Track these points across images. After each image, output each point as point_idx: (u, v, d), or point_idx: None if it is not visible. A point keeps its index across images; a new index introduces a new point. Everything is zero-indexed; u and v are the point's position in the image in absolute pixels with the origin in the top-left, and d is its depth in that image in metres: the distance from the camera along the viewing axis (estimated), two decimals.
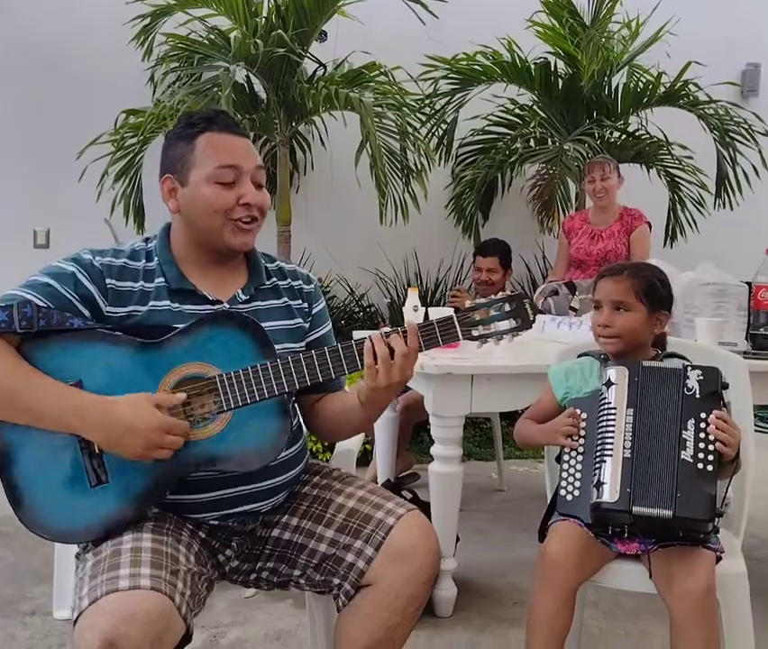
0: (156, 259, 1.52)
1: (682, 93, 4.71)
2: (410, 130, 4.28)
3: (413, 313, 2.66)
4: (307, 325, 1.65)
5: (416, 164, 4.34)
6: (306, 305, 1.65)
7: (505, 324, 1.47)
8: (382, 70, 4.39)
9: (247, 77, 4.38)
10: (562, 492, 1.72)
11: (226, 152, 1.49)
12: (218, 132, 1.50)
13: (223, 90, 3.64)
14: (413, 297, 2.68)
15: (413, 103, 4.50)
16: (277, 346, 1.47)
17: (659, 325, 1.83)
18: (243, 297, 1.55)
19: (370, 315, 5.08)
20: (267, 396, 1.42)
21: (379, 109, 4.15)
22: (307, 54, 4.37)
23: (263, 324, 1.47)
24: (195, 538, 1.47)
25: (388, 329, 1.47)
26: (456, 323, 1.45)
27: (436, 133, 4.95)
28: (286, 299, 1.61)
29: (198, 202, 1.48)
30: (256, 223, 1.53)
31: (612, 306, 1.80)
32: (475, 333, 1.46)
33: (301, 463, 1.62)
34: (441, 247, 5.25)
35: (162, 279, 1.49)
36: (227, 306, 1.52)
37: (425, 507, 2.28)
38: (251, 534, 1.54)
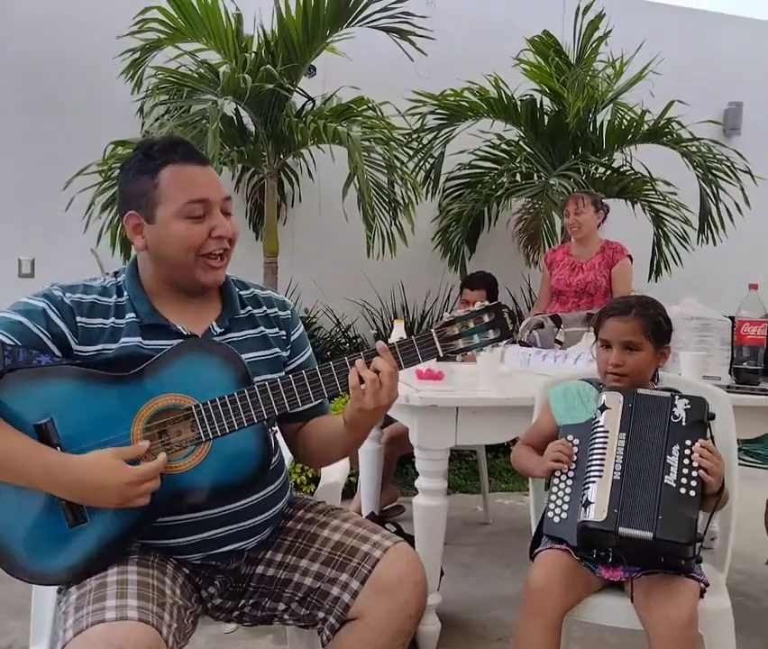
0: (126, 294, 1.47)
1: (666, 130, 4.78)
2: (398, 164, 4.32)
3: None
4: (287, 354, 1.61)
5: (403, 198, 4.37)
6: (283, 332, 1.61)
7: (484, 336, 1.44)
8: (370, 105, 4.43)
9: (236, 109, 4.41)
10: (550, 513, 1.73)
11: (194, 186, 1.43)
12: (181, 163, 1.44)
13: (210, 123, 3.66)
14: (399, 329, 2.67)
15: (400, 137, 4.54)
16: (255, 378, 1.43)
17: (663, 359, 1.89)
18: (218, 330, 1.50)
19: (357, 346, 5.07)
20: (246, 424, 1.38)
21: (367, 143, 4.18)
22: (296, 88, 4.40)
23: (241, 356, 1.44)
24: (179, 572, 1.45)
25: (359, 354, 1.42)
26: (435, 338, 1.42)
27: (423, 167, 5.00)
28: (262, 328, 1.57)
29: (169, 239, 1.43)
30: (227, 257, 1.49)
31: (622, 346, 1.84)
32: (454, 347, 1.44)
33: (284, 498, 1.60)
34: (427, 279, 5.27)
35: (133, 315, 1.45)
36: None
37: (409, 541, 2.26)
38: (234, 572, 1.52)
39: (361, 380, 1.38)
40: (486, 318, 1.44)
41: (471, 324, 1.44)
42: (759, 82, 6.03)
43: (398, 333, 2.67)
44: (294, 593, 1.49)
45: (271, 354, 1.56)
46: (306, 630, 1.59)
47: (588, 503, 1.64)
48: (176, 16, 4.04)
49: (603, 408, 1.75)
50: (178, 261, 1.44)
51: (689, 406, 1.71)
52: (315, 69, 4.74)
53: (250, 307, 1.58)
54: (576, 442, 1.77)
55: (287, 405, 1.40)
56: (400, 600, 1.41)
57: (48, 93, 4.62)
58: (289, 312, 1.65)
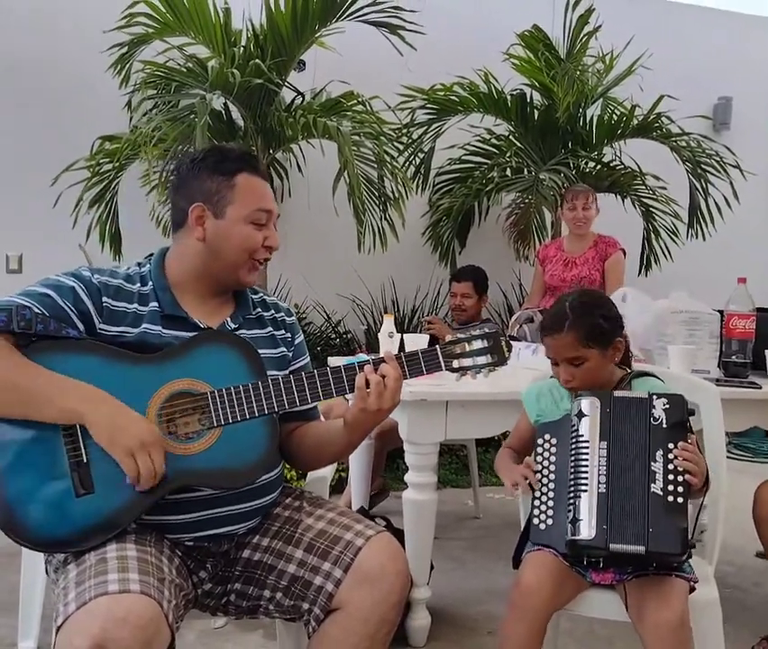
0: (150, 283, 1.56)
1: (655, 125, 4.78)
2: (388, 158, 4.30)
3: (388, 339, 2.65)
4: (291, 355, 1.70)
5: (393, 192, 4.36)
6: (288, 335, 1.71)
7: (482, 359, 1.55)
8: (360, 100, 4.41)
9: (225, 104, 4.39)
10: (535, 520, 1.71)
11: (264, 197, 1.59)
12: (254, 174, 1.59)
13: (199, 118, 3.65)
14: (388, 324, 2.68)
15: (390, 132, 4.52)
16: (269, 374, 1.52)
17: (617, 354, 1.82)
18: (232, 326, 1.60)
19: (347, 341, 5.06)
20: (257, 414, 1.46)
21: (357, 138, 4.17)
22: (285, 83, 4.39)
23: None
24: (174, 553, 1.46)
25: (367, 356, 1.53)
26: (440, 354, 1.53)
27: (414, 162, 4.99)
28: (270, 329, 1.67)
29: (234, 237, 1.55)
30: (266, 263, 1.65)
31: (566, 361, 1.79)
32: (456, 364, 1.54)
33: (278, 489, 1.63)
34: (418, 274, 5.27)
35: (156, 304, 1.53)
36: None
37: (398, 535, 2.26)
38: (224, 555, 1.54)
39: (368, 384, 1.47)
40: (485, 344, 1.55)
41: (471, 347, 1.55)
42: (748, 77, 6.05)
43: (388, 327, 2.68)
44: (278, 581, 1.50)
45: (278, 353, 1.66)
46: (293, 624, 1.59)
47: (576, 520, 1.61)
48: (164, 10, 4.00)
49: (581, 415, 1.69)
50: (232, 259, 1.56)
51: (667, 406, 1.66)
52: (304, 64, 4.72)
53: (259, 309, 1.69)
54: (553, 441, 1.74)
55: (297, 399, 1.49)
56: (383, 590, 1.43)
57: (34, 87, 4.59)
58: (293, 319, 1.76)
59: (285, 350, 1.67)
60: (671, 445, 1.63)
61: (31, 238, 4.49)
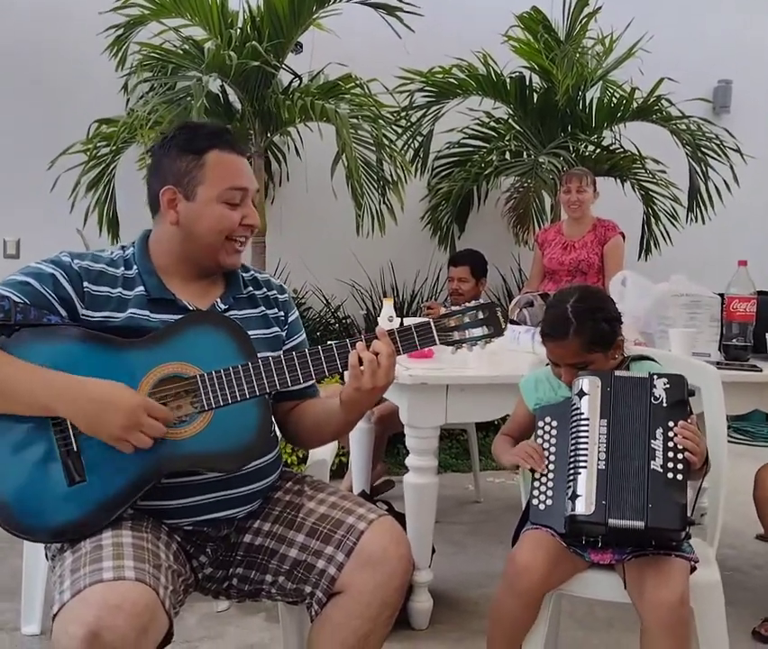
0: (135, 267, 1.52)
1: (655, 108, 4.76)
2: (386, 142, 4.28)
3: (388, 323, 2.64)
4: (284, 334, 1.66)
5: (392, 176, 4.34)
6: (282, 313, 1.67)
7: (478, 331, 1.52)
8: (358, 82, 4.38)
9: (221, 86, 4.36)
10: (535, 501, 1.71)
11: (236, 174, 1.52)
12: (227, 151, 1.52)
13: (195, 100, 3.62)
14: (388, 308, 2.67)
15: (389, 115, 4.50)
16: (260, 355, 1.48)
17: (618, 351, 1.82)
18: (222, 307, 1.57)
19: (346, 326, 5.06)
20: (248, 396, 1.43)
21: (355, 121, 4.15)
22: (283, 66, 4.35)
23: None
24: (172, 539, 1.45)
25: (357, 337, 1.48)
26: (433, 327, 1.49)
27: (412, 145, 4.96)
28: (263, 308, 1.63)
29: (205, 219, 1.50)
30: (246, 243, 1.58)
31: (569, 367, 1.78)
32: (450, 337, 1.51)
33: (276, 471, 1.62)
34: (417, 259, 5.25)
35: (142, 288, 1.49)
36: None
37: (400, 519, 2.26)
38: (225, 539, 1.53)
39: (361, 362, 1.43)
40: (480, 315, 1.52)
41: (466, 319, 1.51)
42: (749, 60, 6.01)
43: (387, 312, 2.67)
44: (280, 565, 1.50)
45: (271, 333, 1.62)
46: (296, 607, 1.59)
47: (575, 496, 1.61)
48: None
49: (582, 394, 1.69)
50: (207, 241, 1.51)
51: (668, 386, 1.66)
52: (301, 46, 4.67)
53: (251, 288, 1.65)
54: (554, 423, 1.74)
55: (288, 380, 1.45)
56: (385, 573, 1.42)
57: (30, 71, 4.55)
58: (286, 296, 1.71)
59: (278, 329, 1.64)
60: (671, 423, 1.64)
61: (28, 222, 4.47)
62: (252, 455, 1.47)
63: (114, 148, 3.99)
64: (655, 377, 1.69)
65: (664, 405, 1.65)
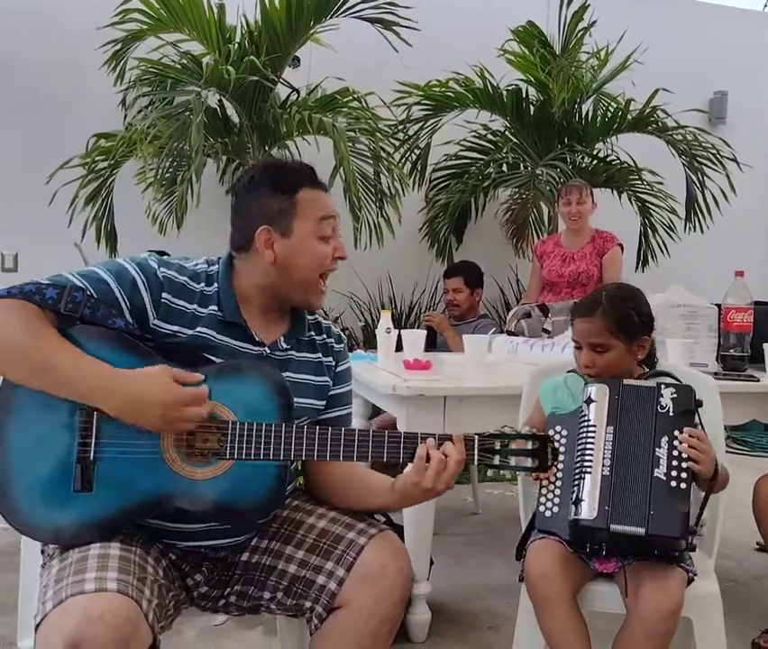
0: (216, 285, 1.52)
1: (651, 119, 4.78)
2: (384, 155, 4.30)
3: (386, 335, 2.65)
4: (331, 382, 1.65)
5: (389, 188, 4.35)
6: (333, 362, 1.66)
7: (522, 461, 1.47)
8: (355, 96, 4.41)
9: (219, 100, 4.37)
10: (541, 508, 1.71)
11: (327, 205, 1.54)
12: (314, 188, 1.54)
13: (194, 115, 3.63)
14: (386, 320, 2.67)
15: (386, 128, 4.52)
16: (301, 400, 1.50)
17: (641, 351, 1.84)
18: (284, 346, 1.56)
19: (345, 338, 5.05)
20: (271, 458, 1.40)
21: (353, 134, 4.16)
22: (280, 80, 4.37)
23: (295, 375, 1.52)
24: (164, 556, 1.44)
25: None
26: (476, 446, 1.45)
27: (410, 158, 4.98)
28: (319, 355, 1.63)
29: (304, 254, 1.51)
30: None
31: (590, 347, 1.80)
32: (492, 460, 1.46)
33: (283, 502, 1.59)
34: (415, 271, 5.26)
35: (216, 308, 1.49)
36: (268, 350, 1.52)
37: (398, 530, 2.25)
38: (222, 560, 1.52)
39: (428, 458, 1.41)
40: (530, 446, 1.48)
41: (514, 446, 1.46)
42: (744, 71, 6.05)
43: (385, 323, 2.67)
44: (279, 581, 1.48)
45: (321, 382, 1.62)
46: (295, 619, 1.58)
47: (578, 500, 1.62)
48: (157, 6, 3.99)
49: (589, 401, 1.71)
50: (303, 277, 1.52)
51: (675, 395, 1.68)
52: (299, 60, 4.70)
53: (312, 332, 1.64)
54: (564, 432, 1.75)
55: (315, 454, 1.42)
56: (385, 588, 1.41)
57: (28, 85, 4.57)
58: (342, 346, 1.71)
59: (327, 378, 1.63)
60: (676, 432, 1.65)
61: (26, 236, 4.48)
62: (262, 515, 1.47)
63: (113, 162, 4.01)
64: (663, 386, 1.70)
65: (671, 414, 1.67)
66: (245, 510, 1.42)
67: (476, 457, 1.44)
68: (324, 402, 1.61)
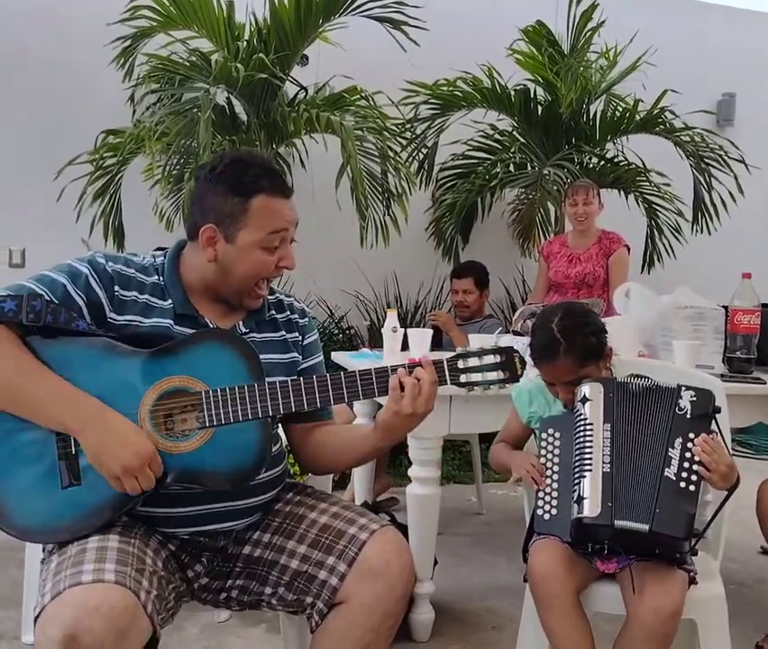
0: (162, 279, 1.53)
1: (659, 120, 4.76)
2: (391, 154, 4.29)
3: (392, 334, 2.65)
4: (300, 357, 1.65)
5: (396, 187, 4.35)
6: (299, 337, 1.67)
7: (493, 375, 1.50)
8: (363, 95, 4.40)
9: (228, 98, 4.38)
10: (539, 511, 1.72)
11: (279, 218, 1.51)
12: (273, 195, 1.50)
13: (203, 112, 3.64)
14: (392, 319, 2.67)
15: (394, 127, 4.51)
16: (271, 379, 1.47)
17: (608, 360, 1.86)
18: (243, 330, 1.57)
19: (350, 337, 5.06)
20: (250, 417, 1.42)
21: (360, 133, 4.16)
22: (289, 78, 4.38)
23: (260, 357, 1.49)
24: (163, 547, 1.45)
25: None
26: (445, 367, 1.48)
27: (417, 158, 4.97)
28: (283, 333, 1.63)
29: (242, 263, 1.50)
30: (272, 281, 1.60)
31: (565, 384, 1.80)
32: (463, 379, 1.49)
33: (279, 486, 1.61)
34: (421, 270, 5.26)
35: (170, 301, 1.51)
36: None
37: (402, 530, 2.25)
38: (221, 550, 1.52)
39: (402, 387, 1.43)
40: (497, 359, 1.50)
41: (482, 361, 1.49)
42: (752, 73, 6.03)
43: (391, 323, 2.67)
44: (280, 576, 1.49)
45: (288, 358, 1.62)
46: (296, 617, 1.58)
47: (581, 499, 1.62)
48: (167, 4, 4.00)
49: (585, 400, 1.72)
50: (239, 284, 1.52)
51: (695, 399, 1.69)
52: (307, 59, 4.71)
53: (273, 311, 1.64)
54: (557, 434, 1.76)
55: (292, 405, 1.44)
56: (387, 583, 1.41)
57: (37, 81, 4.58)
58: (307, 320, 1.71)
59: (296, 354, 1.63)
60: (691, 435, 1.65)
61: (34, 232, 4.49)
62: (247, 477, 1.45)
63: (121, 158, 4.01)
64: (683, 388, 1.71)
65: (688, 416, 1.68)
66: (234, 472, 1.42)
67: (447, 377, 1.47)
68: (294, 376, 1.58)
